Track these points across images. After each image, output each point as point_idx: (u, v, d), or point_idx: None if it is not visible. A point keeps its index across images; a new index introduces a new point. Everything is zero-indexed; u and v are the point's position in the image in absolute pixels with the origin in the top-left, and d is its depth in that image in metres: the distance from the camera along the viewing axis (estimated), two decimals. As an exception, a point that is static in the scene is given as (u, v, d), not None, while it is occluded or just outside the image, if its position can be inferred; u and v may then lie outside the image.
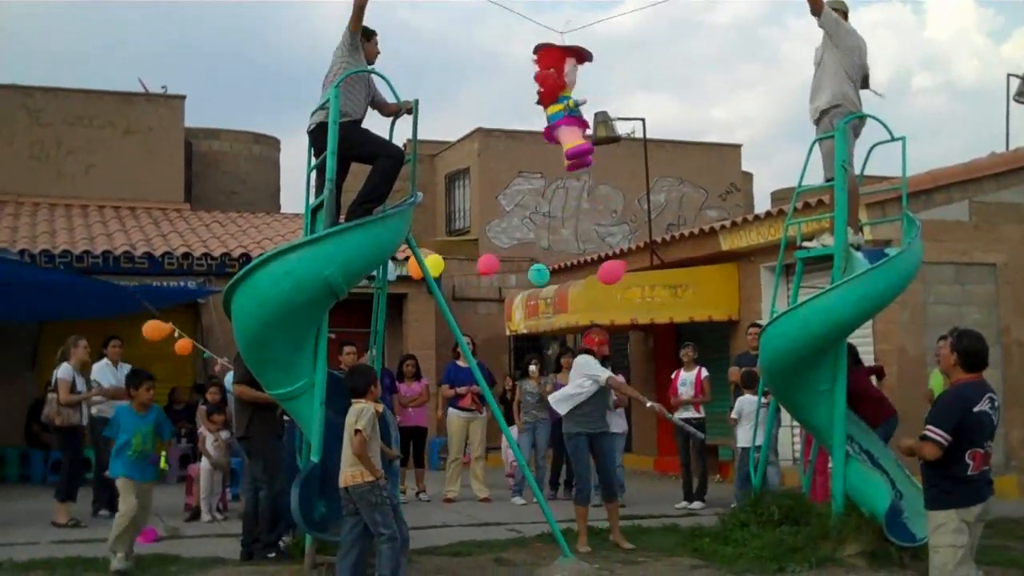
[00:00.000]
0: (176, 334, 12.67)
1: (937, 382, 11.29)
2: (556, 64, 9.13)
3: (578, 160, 9.29)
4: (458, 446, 13.76)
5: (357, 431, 7.29)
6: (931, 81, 67.73)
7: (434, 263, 12.14)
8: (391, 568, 7.33)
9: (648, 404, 10.29)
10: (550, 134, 9.34)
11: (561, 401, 10.14)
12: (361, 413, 7.38)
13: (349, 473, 7.39)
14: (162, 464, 9.21)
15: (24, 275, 14.07)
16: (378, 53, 8.77)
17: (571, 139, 9.15)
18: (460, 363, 13.47)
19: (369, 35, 8.71)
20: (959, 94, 65.77)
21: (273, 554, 9.04)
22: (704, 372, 13.10)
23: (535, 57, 9.29)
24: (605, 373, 10.02)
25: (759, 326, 11.32)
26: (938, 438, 6.10)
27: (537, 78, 9.21)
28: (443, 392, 14.06)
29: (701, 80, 65.94)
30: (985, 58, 65.33)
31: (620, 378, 10.68)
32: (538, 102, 9.30)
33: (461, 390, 13.61)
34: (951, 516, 6.16)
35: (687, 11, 66.38)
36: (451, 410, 13.81)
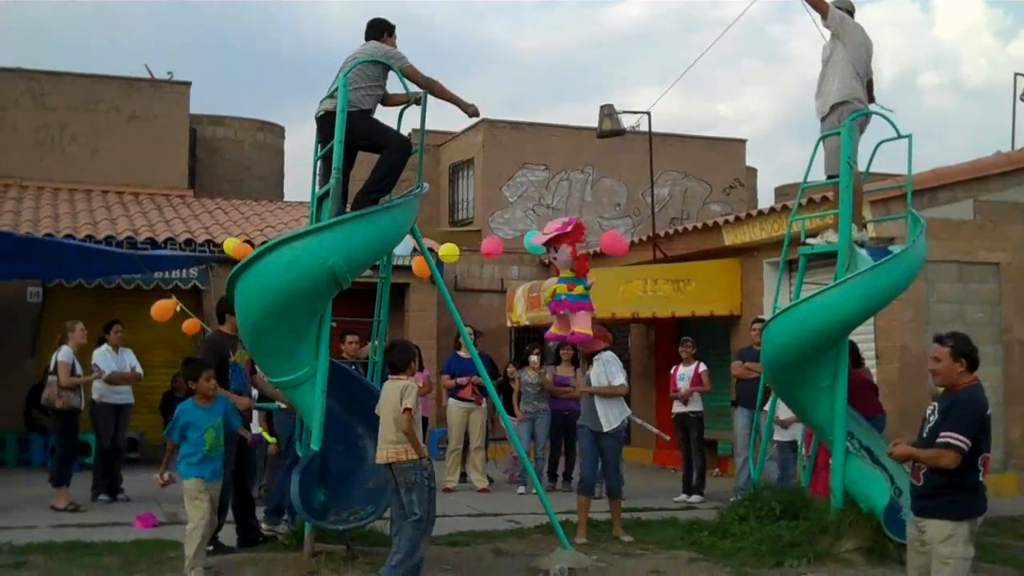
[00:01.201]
0: (179, 308, 12.55)
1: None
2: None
3: (579, 341, 9.89)
4: (458, 436, 13.77)
5: (407, 409, 7.27)
6: (938, 79, 67.69)
7: (450, 252, 12.22)
8: (409, 548, 7.36)
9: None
10: (559, 307, 9.57)
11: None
12: (407, 390, 7.35)
13: (393, 450, 7.35)
14: (269, 439, 9.13)
15: (29, 246, 13.91)
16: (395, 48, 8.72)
17: (583, 325, 9.54)
18: (461, 354, 13.49)
19: (391, 30, 8.72)
20: (966, 93, 65.73)
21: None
22: (702, 366, 13.13)
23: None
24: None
25: (763, 321, 11.32)
26: (963, 445, 5.75)
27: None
28: (443, 382, 14.08)
29: (707, 75, 65.84)
30: (993, 57, 65.25)
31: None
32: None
33: (461, 380, 13.62)
34: (963, 527, 5.83)
35: (695, 7, 66.17)
36: (451, 400, 13.83)
